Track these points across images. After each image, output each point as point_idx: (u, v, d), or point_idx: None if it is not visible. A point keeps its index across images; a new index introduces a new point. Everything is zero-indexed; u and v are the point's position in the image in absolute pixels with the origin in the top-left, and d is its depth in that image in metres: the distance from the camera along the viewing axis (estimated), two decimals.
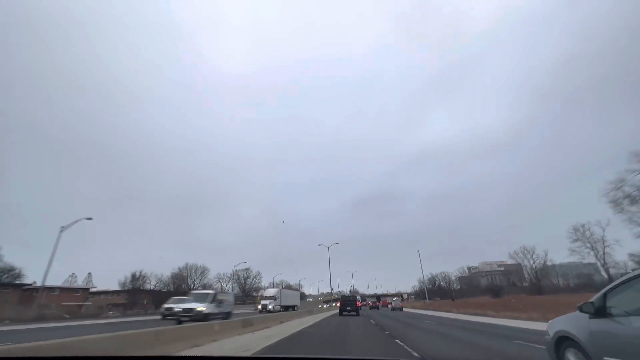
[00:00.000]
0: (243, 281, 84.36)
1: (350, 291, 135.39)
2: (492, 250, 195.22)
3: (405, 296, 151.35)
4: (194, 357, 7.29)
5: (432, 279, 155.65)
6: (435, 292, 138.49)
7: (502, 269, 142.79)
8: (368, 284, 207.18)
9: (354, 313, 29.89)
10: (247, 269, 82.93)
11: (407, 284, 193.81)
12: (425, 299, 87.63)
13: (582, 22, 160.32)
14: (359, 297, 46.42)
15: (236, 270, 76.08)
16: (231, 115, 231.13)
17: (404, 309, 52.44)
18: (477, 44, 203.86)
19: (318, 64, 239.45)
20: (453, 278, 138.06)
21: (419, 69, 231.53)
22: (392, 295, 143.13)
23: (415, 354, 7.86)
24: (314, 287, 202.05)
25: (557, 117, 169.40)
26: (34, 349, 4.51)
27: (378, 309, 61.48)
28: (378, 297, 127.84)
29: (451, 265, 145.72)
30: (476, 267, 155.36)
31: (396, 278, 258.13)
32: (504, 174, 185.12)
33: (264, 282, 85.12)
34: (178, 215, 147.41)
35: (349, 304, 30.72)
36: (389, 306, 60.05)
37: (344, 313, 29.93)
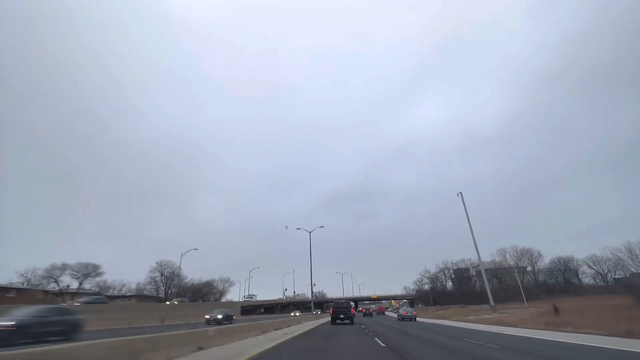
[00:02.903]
0: None
1: (312, 292, 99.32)
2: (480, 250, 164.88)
3: (397, 301, 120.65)
4: None
5: (434, 278, 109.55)
6: (440, 294, 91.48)
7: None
8: (342, 286, 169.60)
9: (348, 321, 26.92)
10: None
11: (389, 287, 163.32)
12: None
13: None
14: (352, 304, 35.75)
15: None
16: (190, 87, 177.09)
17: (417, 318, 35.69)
18: (476, 25, 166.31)
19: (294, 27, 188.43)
20: (473, 272, 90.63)
21: (411, 47, 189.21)
22: (377, 300, 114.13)
23: None
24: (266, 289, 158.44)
25: (554, 110, 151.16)
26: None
27: (372, 316, 53.17)
28: (356, 301, 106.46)
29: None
30: (475, 266, 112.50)
31: (376, 282, 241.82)
32: (495, 170, 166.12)
33: None
34: (121, 206, 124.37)
35: (342, 311, 27.24)
36: (386, 313, 59.82)
37: (337, 321, 27.02)
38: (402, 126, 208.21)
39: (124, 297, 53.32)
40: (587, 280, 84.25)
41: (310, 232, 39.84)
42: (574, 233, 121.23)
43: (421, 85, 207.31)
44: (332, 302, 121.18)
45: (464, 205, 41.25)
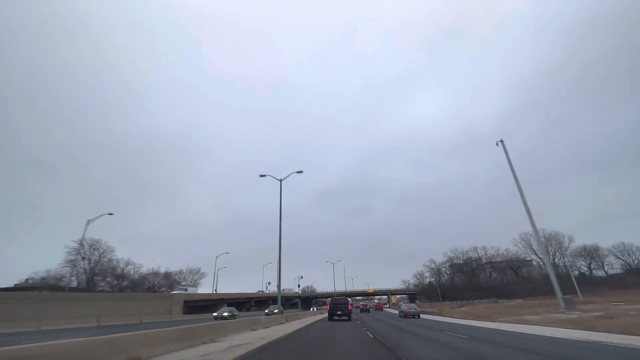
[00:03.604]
0: None
1: (299, 286, 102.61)
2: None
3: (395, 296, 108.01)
4: None
5: (438, 271, 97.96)
6: (447, 288, 79.90)
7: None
8: (334, 278, 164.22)
9: (345, 318, 26.72)
10: None
11: (384, 283, 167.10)
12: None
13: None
14: (349, 300, 35.98)
15: None
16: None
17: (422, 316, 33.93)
18: (475, 20, 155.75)
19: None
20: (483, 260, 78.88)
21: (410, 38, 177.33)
22: (374, 295, 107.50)
23: None
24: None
25: (552, 105, 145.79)
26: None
27: (369, 312, 53.23)
28: (350, 296, 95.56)
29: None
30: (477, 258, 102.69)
31: (370, 277, 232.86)
32: (491, 167, 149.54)
33: None
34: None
35: (339, 307, 27.18)
36: (383, 309, 62.76)
37: (334, 318, 26.91)
38: (398, 121, 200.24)
39: (28, 288, 39.60)
40: (612, 272, 74.12)
41: (281, 181, 26.81)
42: (583, 224, 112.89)
43: (420, 81, 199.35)
44: (321, 298, 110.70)
45: (507, 155, 29.08)
